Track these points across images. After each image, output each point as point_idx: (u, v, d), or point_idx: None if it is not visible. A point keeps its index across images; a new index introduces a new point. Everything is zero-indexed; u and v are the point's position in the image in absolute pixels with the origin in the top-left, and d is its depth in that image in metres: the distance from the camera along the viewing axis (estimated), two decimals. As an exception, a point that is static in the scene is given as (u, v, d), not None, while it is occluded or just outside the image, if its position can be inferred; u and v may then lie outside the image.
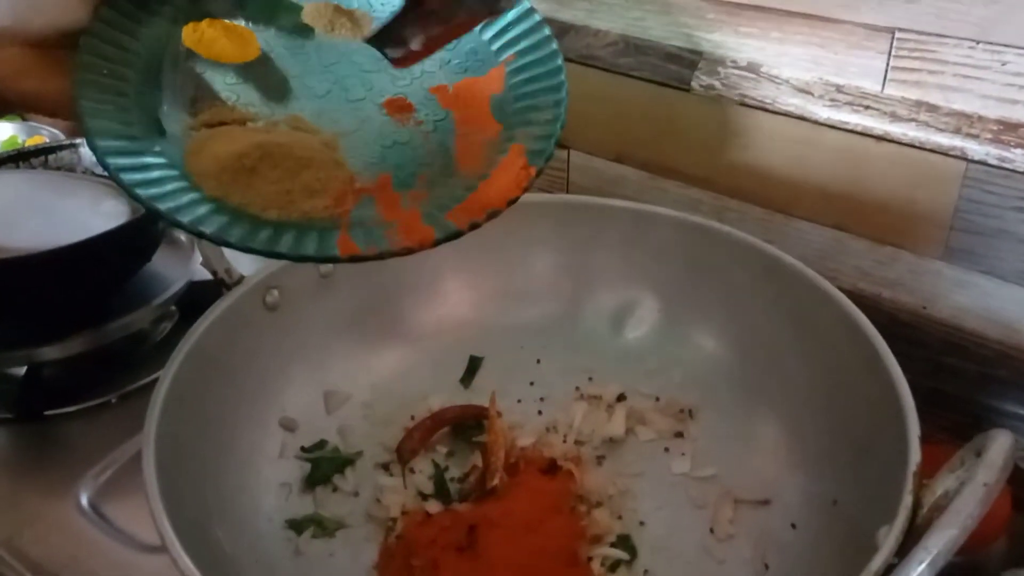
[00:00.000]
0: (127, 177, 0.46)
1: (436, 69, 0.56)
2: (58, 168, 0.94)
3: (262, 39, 0.55)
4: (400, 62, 0.50)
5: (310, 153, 0.51)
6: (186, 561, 0.44)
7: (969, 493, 0.39)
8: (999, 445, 0.41)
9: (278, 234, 0.47)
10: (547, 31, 0.56)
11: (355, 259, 0.47)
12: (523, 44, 0.56)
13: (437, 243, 0.48)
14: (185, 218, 0.46)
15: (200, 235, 0.46)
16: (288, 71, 0.55)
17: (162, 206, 0.46)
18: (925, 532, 0.39)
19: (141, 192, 0.46)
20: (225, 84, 0.53)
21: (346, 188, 0.50)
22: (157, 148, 0.49)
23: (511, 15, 0.57)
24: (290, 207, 0.48)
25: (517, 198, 0.50)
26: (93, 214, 0.85)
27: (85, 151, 0.94)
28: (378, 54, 0.50)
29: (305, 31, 0.56)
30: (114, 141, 0.48)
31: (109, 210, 0.85)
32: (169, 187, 0.47)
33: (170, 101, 0.52)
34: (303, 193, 0.49)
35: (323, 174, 0.50)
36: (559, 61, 0.55)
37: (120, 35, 0.51)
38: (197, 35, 0.52)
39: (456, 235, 0.48)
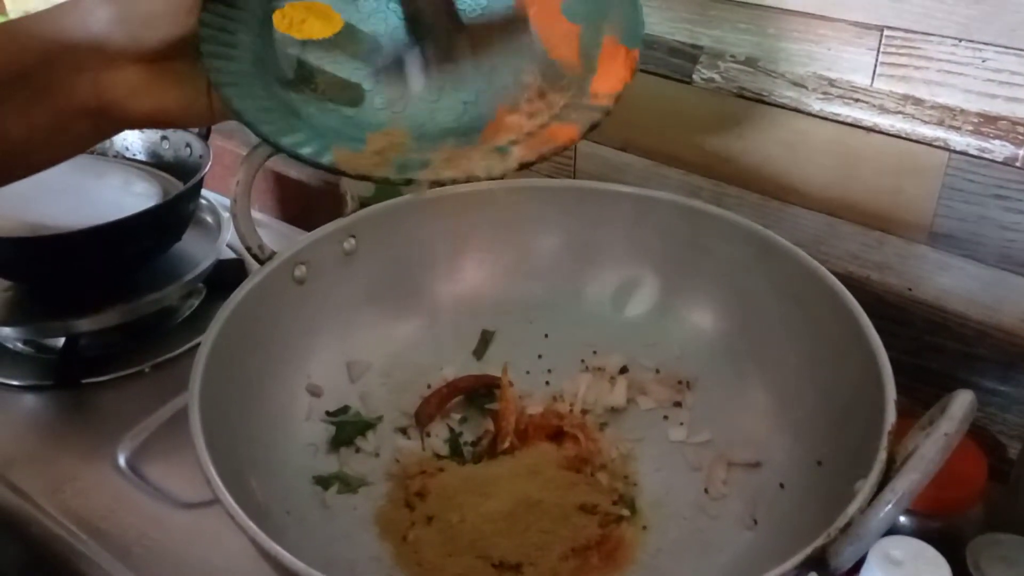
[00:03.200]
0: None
1: None
2: (91, 152, 0.97)
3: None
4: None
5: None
6: (228, 499, 0.48)
7: (932, 443, 0.43)
8: (960, 401, 0.45)
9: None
10: None
11: (524, 165, 0.56)
12: None
13: (582, 135, 0.56)
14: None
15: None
16: (374, 30, 0.59)
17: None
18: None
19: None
20: (325, 58, 0.57)
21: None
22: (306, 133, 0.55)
23: None
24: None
25: (630, 80, 0.57)
26: (126, 195, 0.89)
27: (116, 136, 0.98)
28: None
29: None
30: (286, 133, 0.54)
31: (141, 191, 0.89)
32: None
33: (293, 86, 0.56)
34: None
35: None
36: None
37: (226, 35, 0.54)
38: (287, 20, 0.55)
39: (596, 124, 0.56)
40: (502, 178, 0.57)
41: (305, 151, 0.54)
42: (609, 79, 0.57)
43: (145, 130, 0.97)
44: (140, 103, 0.51)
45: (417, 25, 0.58)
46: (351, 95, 0.58)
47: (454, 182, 0.56)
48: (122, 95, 0.50)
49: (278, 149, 0.54)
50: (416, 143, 0.58)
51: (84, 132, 0.52)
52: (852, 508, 0.46)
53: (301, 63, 0.58)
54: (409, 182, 0.55)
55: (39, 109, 0.50)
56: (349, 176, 0.55)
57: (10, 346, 0.86)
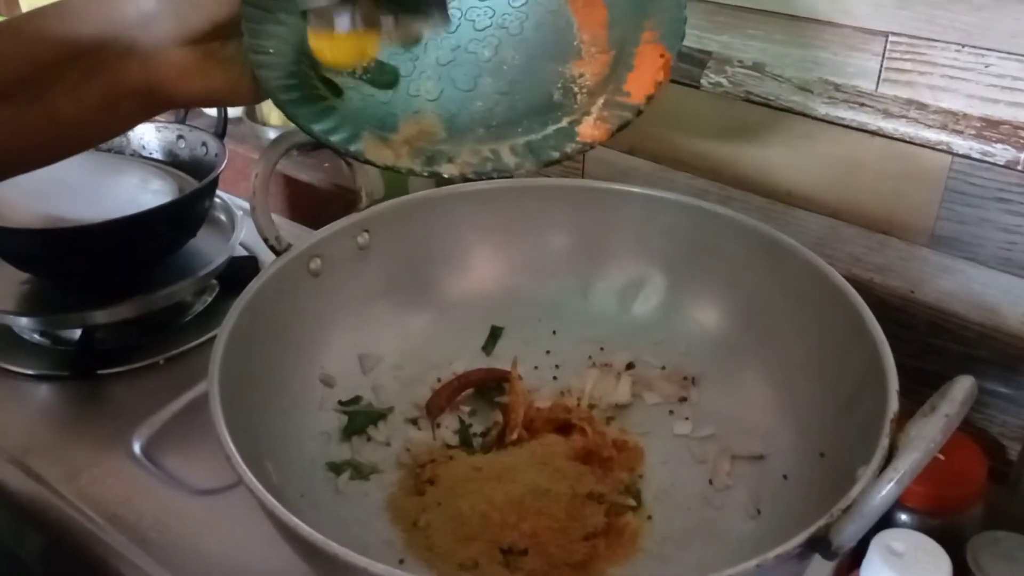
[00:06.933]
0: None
1: None
2: (108, 150, 0.99)
3: None
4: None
5: None
6: (249, 476, 0.49)
7: (932, 424, 0.44)
8: (960, 385, 0.46)
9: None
10: None
11: (551, 162, 0.56)
12: None
13: (612, 134, 0.56)
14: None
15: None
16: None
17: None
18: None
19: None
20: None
21: None
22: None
23: None
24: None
25: (665, 81, 0.56)
26: (142, 191, 0.90)
27: (133, 134, 1.00)
28: None
29: None
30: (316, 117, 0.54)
31: (157, 188, 0.90)
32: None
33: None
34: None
35: None
36: None
37: (270, 15, 0.54)
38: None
39: (626, 124, 0.56)
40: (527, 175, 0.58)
41: (336, 138, 0.54)
42: (644, 79, 0.56)
43: (162, 130, 0.99)
44: (188, 84, 0.51)
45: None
46: (387, 78, 0.58)
47: (479, 177, 0.56)
48: (171, 76, 0.51)
49: (310, 135, 0.53)
50: (447, 132, 0.57)
51: (133, 111, 0.52)
52: (854, 491, 0.47)
53: None
54: (435, 175, 0.55)
55: (89, 90, 0.50)
56: (376, 166, 0.55)
57: (27, 337, 0.88)
